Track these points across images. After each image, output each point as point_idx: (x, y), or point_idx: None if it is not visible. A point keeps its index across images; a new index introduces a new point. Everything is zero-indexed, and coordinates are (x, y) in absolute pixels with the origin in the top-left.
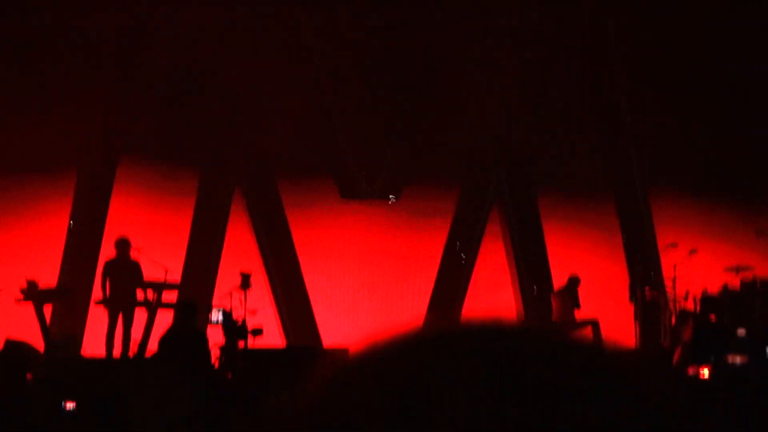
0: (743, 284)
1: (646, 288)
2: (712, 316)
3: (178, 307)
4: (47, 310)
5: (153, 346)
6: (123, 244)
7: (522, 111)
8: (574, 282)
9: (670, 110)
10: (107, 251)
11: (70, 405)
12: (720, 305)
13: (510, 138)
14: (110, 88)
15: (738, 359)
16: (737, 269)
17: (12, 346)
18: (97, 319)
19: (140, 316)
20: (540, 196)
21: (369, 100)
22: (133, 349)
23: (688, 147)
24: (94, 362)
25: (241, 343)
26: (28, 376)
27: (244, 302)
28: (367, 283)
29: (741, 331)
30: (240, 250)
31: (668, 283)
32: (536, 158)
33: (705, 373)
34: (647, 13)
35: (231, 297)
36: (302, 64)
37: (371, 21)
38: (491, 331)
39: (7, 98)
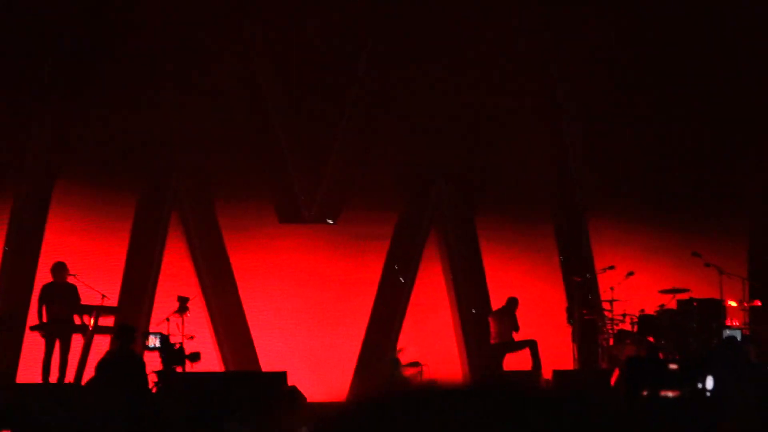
0: (680, 304)
1: (584, 310)
2: (650, 338)
3: (116, 331)
4: None
5: (90, 371)
6: (59, 269)
7: (462, 132)
8: (512, 303)
9: (608, 134)
10: (43, 276)
11: None
12: (657, 326)
13: (449, 160)
14: (47, 109)
15: (670, 393)
16: (674, 291)
17: None
18: (33, 345)
19: (77, 341)
20: (478, 217)
21: (307, 122)
22: (70, 375)
23: (626, 170)
24: (30, 388)
25: (178, 368)
26: None
27: (181, 327)
28: (306, 306)
29: (673, 366)
30: (177, 274)
31: (605, 305)
32: (475, 180)
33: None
34: (588, 39)
35: (168, 322)
36: (242, 85)
37: (313, 40)
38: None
39: None
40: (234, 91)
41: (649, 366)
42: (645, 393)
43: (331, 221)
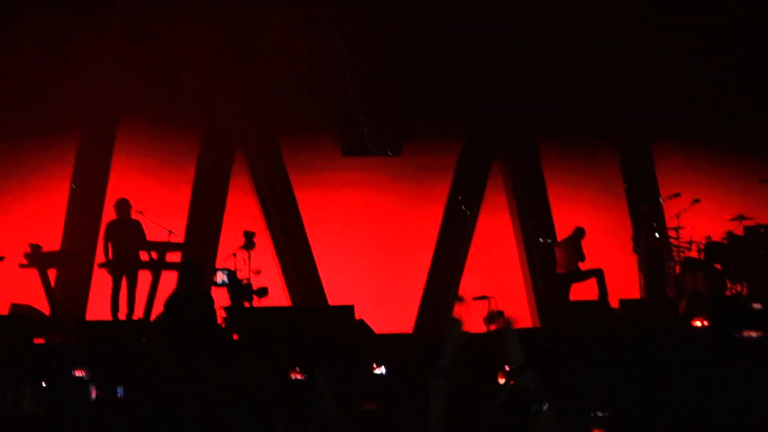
0: (747, 231)
1: (650, 238)
2: (718, 266)
3: (183, 268)
4: (51, 274)
5: (158, 307)
6: (123, 205)
7: (525, 61)
8: (578, 233)
9: (674, 59)
10: (109, 214)
11: (79, 372)
12: (725, 253)
13: (512, 89)
14: (110, 48)
15: (753, 334)
16: (740, 218)
17: (17, 310)
18: (101, 282)
19: (144, 278)
20: (542, 147)
21: (370, 55)
22: (139, 311)
23: (692, 97)
24: (99, 326)
25: (246, 304)
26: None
27: (248, 262)
28: (371, 239)
29: (756, 306)
30: (243, 209)
31: (671, 233)
32: (538, 109)
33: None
34: None
35: (235, 257)
36: (304, 20)
37: None
38: None
39: (5, 62)
40: (297, 24)
41: (732, 305)
42: (729, 334)
43: (394, 153)
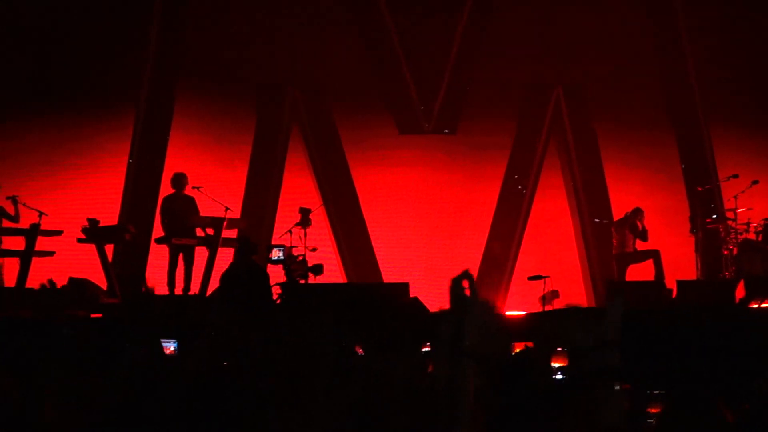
0: None
1: (707, 219)
2: None
3: (237, 244)
4: (109, 248)
5: (215, 283)
6: (179, 180)
7: (580, 41)
8: (636, 214)
9: (733, 40)
10: (166, 189)
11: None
12: None
13: (568, 67)
14: (169, 24)
15: None
16: None
17: (75, 283)
18: (158, 257)
19: (201, 253)
20: (599, 126)
21: (425, 32)
22: (195, 286)
23: (750, 76)
24: (156, 300)
25: (301, 281)
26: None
27: (303, 239)
28: (426, 217)
29: None
30: (299, 186)
31: (729, 215)
32: (595, 88)
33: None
34: None
35: (291, 234)
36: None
37: None
38: None
39: (61, 37)
40: (356, 3)
41: None
42: None
43: (449, 131)
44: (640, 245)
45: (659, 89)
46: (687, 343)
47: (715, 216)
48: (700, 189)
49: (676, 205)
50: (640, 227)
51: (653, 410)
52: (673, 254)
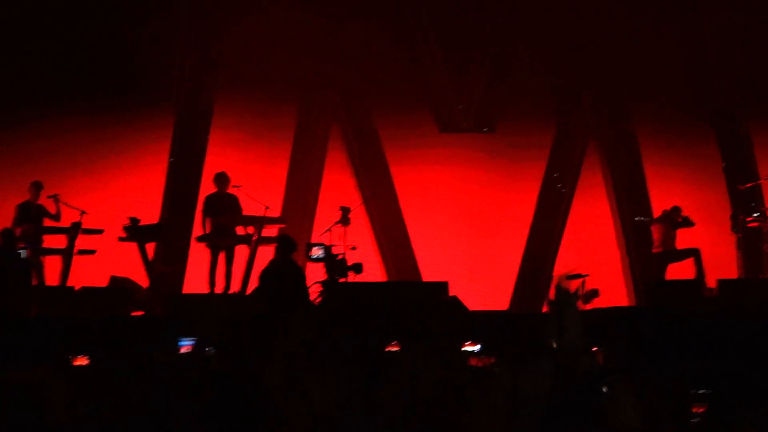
0: None
1: (748, 218)
2: None
3: (277, 242)
4: (149, 247)
5: (255, 281)
6: (222, 179)
7: (618, 38)
8: (675, 212)
9: None
10: (206, 188)
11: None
12: None
13: (606, 65)
14: (208, 22)
15: None
16: None
17: (116, 282)
18: (198, 255)
19: (241, 252)
20: (638, 124)
21: (463, 30)
22: (236, 284)
23: None
24: (196, 298)
25: (341, 279)
26: (137, 313)
27: (343, 238)
28: (466, 216)
29: None
30: (338, 185)
31: None
32: (633, 86)
33: None
34: None
35: (330, 233)
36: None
37: None
38: None
39: (104, 36)
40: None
41: None
42: None
43: (488, 130)
44: (680, 243)
45: (698, 87)
46: (729, 342)
47: (756, 214)
48: (741, 187)
49: (716, 204)
50: (680, 221)
51: (698, 409)
52: (714, 253)
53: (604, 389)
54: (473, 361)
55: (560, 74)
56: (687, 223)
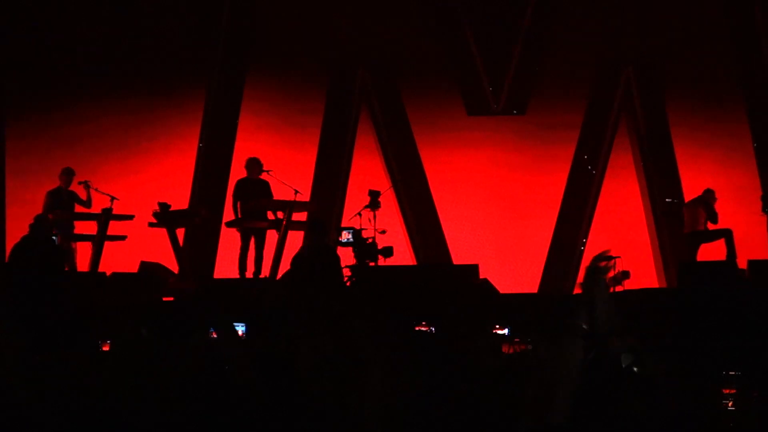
0: None
1: None
2: None
3: (308, 226)
4: (180, 232)
5: (285, 265)
6: (253, 164)
7: (651, 16)
8: (707, 195)
9: None
10: (236, 173)
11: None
12: None
13: (637, 45)
14: (238, 6)
15: None
16: None
17: (147, 267)
18: (229, 240)
19: (271, 236)
20: (669, 105)
21: (493, 12)
22: (266, 269)
23: None
24: (227, 283)
25: (371, 263)
26: (167, 298)
27: (373, 222)
28: (496, 198)
29: None
30: (368, 168)
31: None
32: (664, 66)
33: None
34: None
35: (360, 216)
36: None
37: None
38: None
39: (132, 21)
40: None
41: None
42: None
43: (517, 112)
44: (711, 225)
45: (731, 66)
46: (760, 324)
47: None
48: None
49: (748, 184)
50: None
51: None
52: (746, 234)
53: (635, 371)
54: (504, 347)
55: (592, 53)
56: (713, 217)
